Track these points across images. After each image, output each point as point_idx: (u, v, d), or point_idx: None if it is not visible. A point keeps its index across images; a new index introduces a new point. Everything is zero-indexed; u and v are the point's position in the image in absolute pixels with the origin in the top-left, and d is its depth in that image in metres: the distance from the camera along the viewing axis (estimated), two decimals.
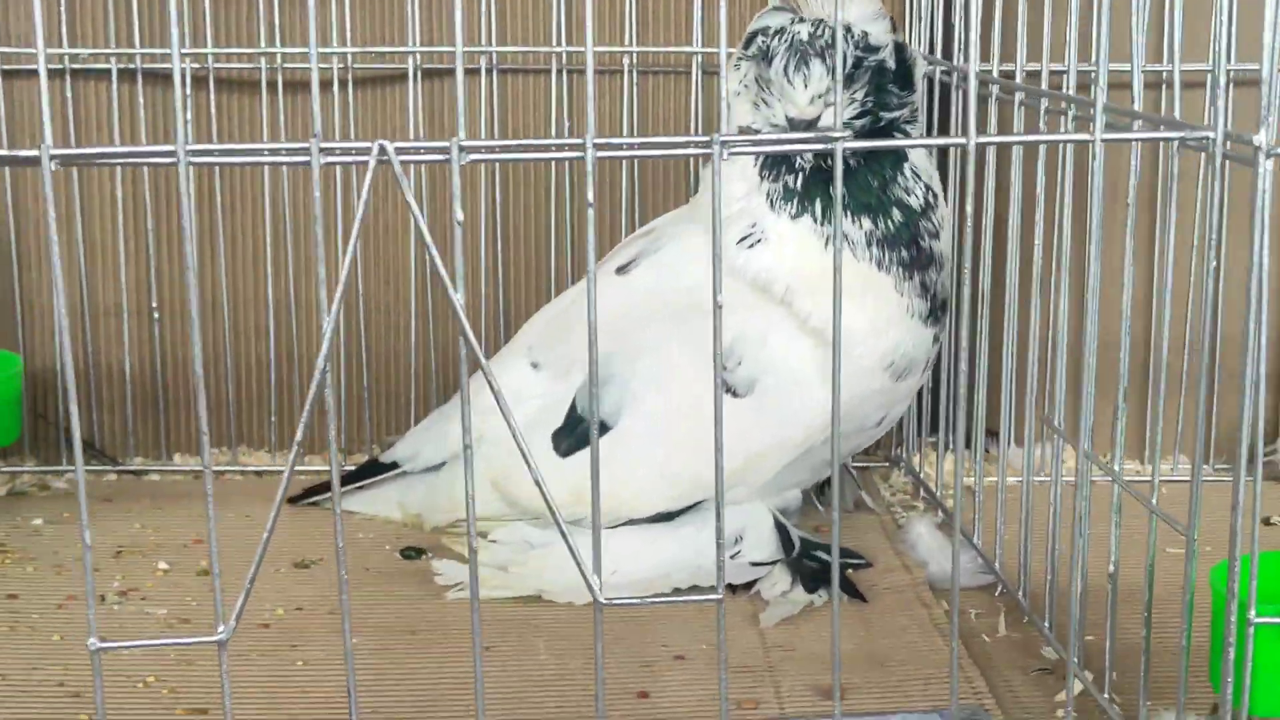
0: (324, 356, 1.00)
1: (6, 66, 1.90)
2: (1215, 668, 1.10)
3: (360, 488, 1.81)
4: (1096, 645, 1.33)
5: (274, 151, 0.98)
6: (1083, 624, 1.30)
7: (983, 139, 0.99)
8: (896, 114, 1.52)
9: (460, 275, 1.00)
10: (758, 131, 1.48)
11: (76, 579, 1.62)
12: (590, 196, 0.98)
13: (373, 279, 1.96)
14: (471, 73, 1.91)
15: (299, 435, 1.02)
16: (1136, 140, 1.04)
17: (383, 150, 0.97)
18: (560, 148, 1.00)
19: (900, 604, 1.53)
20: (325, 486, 1.84)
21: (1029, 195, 1.50)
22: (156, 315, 1.95)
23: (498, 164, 1.90)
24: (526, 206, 1.96)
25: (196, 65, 1.89)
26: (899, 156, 1.51)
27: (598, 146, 0.98)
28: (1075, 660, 1.26)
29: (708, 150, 0.98)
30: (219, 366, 1.97)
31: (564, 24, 1.91)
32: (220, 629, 1.06)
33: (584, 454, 1.37)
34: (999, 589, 1.56)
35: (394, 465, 1.79)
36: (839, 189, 1.00)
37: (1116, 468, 1.23)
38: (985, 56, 1.68)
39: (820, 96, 1.45)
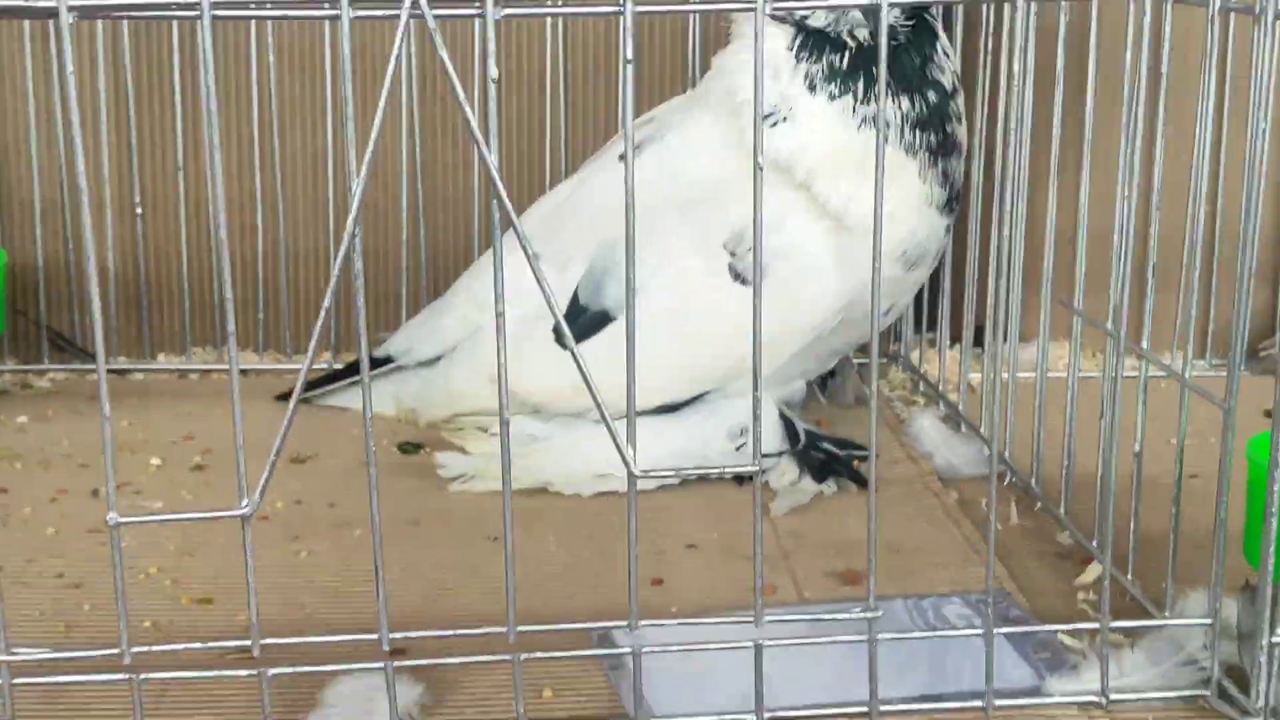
0: (353, 219, 0.97)
1: None
2: (1253, 542, 1.09)
3: (353, 383, 1.78)
4: (1115, 530, 1.32)
5: (301, 4, 0.94)
6: (1105, 508, 1.28)
7: None
8: None
9: (494, 133, 0.97)
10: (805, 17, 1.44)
11: (66, 474, 1.59)
12: (629, 53, 0.95)
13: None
14: None
15: (319, 326, 0.99)
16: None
17: (415, 3, 0.93)
18: (598, 2, 0.96)
19: (909, 493, 1.52)
20: (316, 383, 1.81)
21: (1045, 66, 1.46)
22: (140, 211, 1.91)
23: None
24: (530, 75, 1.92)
25: None
26: (934, 34, 1.49)
27: (638, 1, 0.94)
28: (1099, 546, 1.25)
29: (751, 6, 0.95)
30: (204, 264, 1.93)
31: None
32: (244, 503, 1.03)
33: (586, 345, 1.33)
34: (1008, 478, 1.54)
35: (387, 360, 1.76)
36: (883, 45, 0.97)
37: (1145, 344, 1.21)
38: None
39: None
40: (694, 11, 1.18)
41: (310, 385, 1.81)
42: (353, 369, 1.78)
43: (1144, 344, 1.21)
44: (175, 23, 1.84)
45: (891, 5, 0.97)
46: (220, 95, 1.89)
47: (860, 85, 1.47)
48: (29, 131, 1.87)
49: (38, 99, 1.87)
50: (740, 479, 1.54)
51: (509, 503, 1.03)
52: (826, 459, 1.56)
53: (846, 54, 1.47)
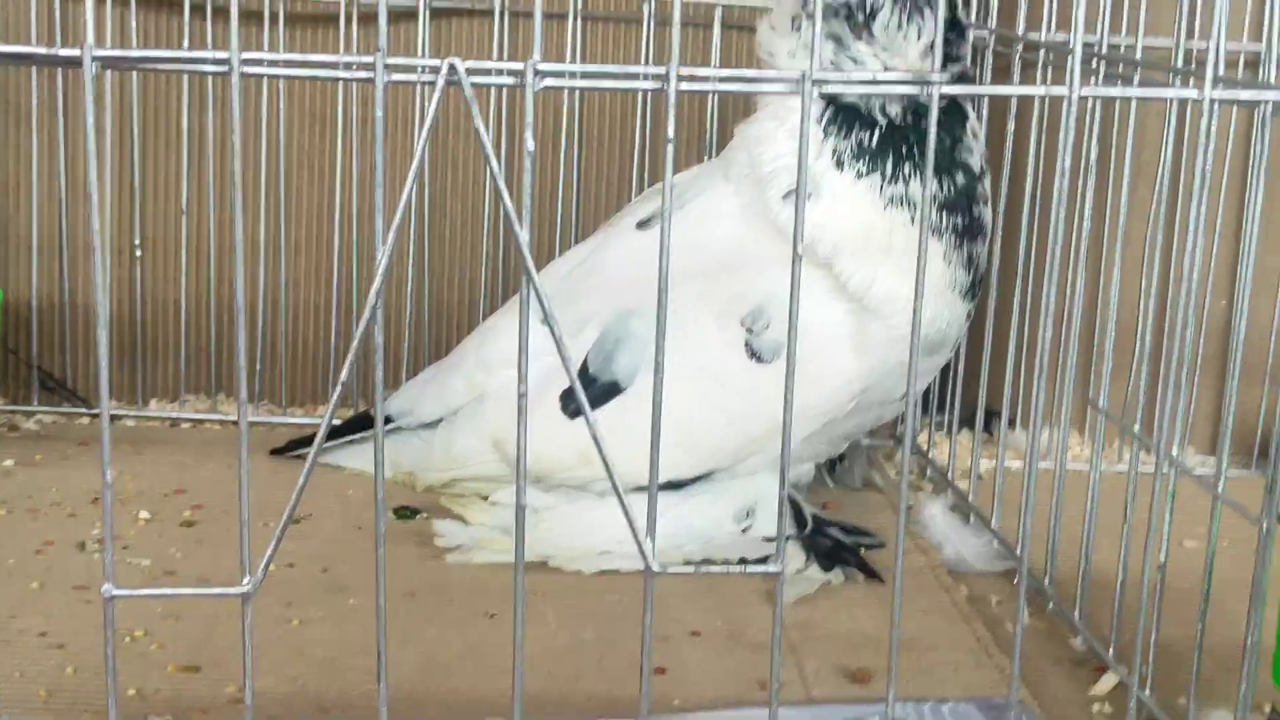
0: (376, 291, 0.93)
1: None
2: None
3: (349, 442, 1.73)
4: (1129, 639, 1.28)
5: (335, 65, 0.91)
6: (1121, 616, 1.25)
7: (1087, 91, 0.93)
8: (962, 66, 1.46)
9: (528, 210, 0.93)
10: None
11: (53, 524, 1.54)
12: (670, 132, 0.92)
13: (365, 227, 1.88)
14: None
15: (343, 376, 0.94)
16: (1242, 103, 0.99)
17: (452, 70, 0.90)
18: (642, 77, 0.92)
19: (919, 586, 1.48)
20: (310, 439, 1.77)
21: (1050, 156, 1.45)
22: (139, 254, 1.87)
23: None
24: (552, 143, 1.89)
25: None
26: (964, 115, 1.46)
27: (681, 78, 0.91)
28: (1122, 664, 1.21)
29: (797, 90, 0.91)
30: (201, 310, 1.89)
31: None
32: (245, 581, 0.98)
33: (595, 415, 1.29)
34: (1018, 575, 1.50)
35: (386, 420, 1.72)
36: (933, 131, 0.93)
37: (1175, 453, 1.17)
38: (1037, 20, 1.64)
39: (930, 48, 1.40)
40: (739, 91, 1.15)
41: (304, 442, 1.77)
42: (350, 427, 1.73)
43: (1174, 450, 1.18)
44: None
45: (944, 91, 0.93)
46: (218, 140, 1.86)
47: (889, 164, 1.44)
48: (30, 169, 1.83)
49: (40, 136, 1.83)
50: (744, 561, 1.50)
51: (521, 591, 0.98)
52: (834, 546, 1.52)
53: (876, 131, 1.44)
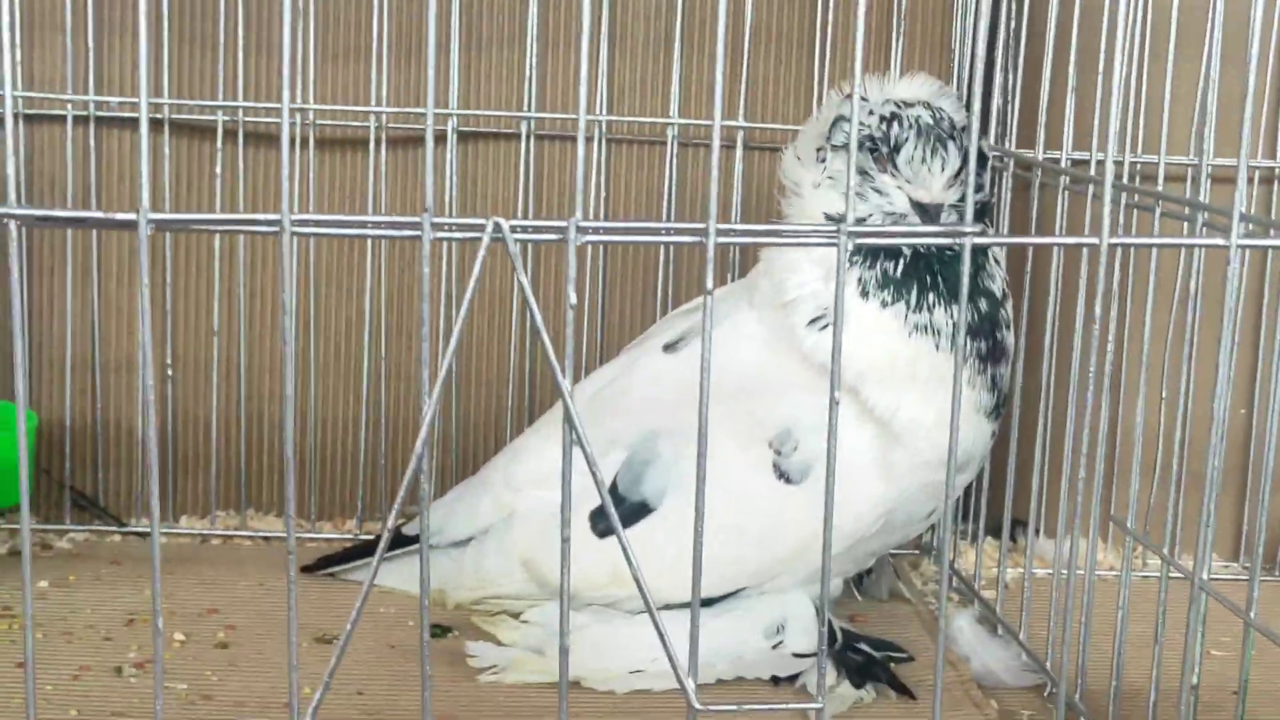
0: (422, 441, 0.95)
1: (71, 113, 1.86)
2: None
3: (382, 560, 1.74)
4: None
5: (380, 224, 0.94)
6: None
7: (1115, 240, 0.96)
8: (983, 196, 1.49)
9: (569, 360, 0.96)
10: (860, 221, 1.44)
11: (88, 647, 1.56)
12: (710, 284, 0.94)
13: (394, 344, 1.91)
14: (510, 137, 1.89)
15: (399, 500, 0.97)
16: (1274, 247, 1.01)
17: (497, 227, 0.93)
18: (680, 232, 0.95)
19: (950, 702, 1.49)
20: (341, 557, 1.79)
21: (1070, 288, 1.48)
22: (171, 373, 1.89)
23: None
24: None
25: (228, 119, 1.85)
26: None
27: (720, 233, 0.94)
28: None
29: (834, 242, 0.94)
30: (231, 427, 1.92)
31: (606, 92, 1.88)
32: None
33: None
34: (1048, 688, 1.52)
35: (416, 538, 1.74)
36: (965, 284, 0.96)
37: (1205, 575, 1.19)
38: (1056, 145, 1.67)
39: (954, 179, 1.43)
40: (775, 244, 1.18)
41: (333, 560, 1.79)
42: (378, 545, 1.75)
43: (1204, 573, 1.20)
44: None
45: (975, 242, 0.96)
46: (257, 257, 1.89)
47: (913, 293, 1.47)
48: (65, 288, 1.86)
49: (74, 255, 1.86)
50: (777, 678, 1.51)
51: None
52: (865, 661, 1.53)
53: (901, 261, 1.47)
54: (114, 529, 1.90)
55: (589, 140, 1.87)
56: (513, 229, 0.93)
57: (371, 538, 1.84)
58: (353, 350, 1.91)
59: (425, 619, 1.02)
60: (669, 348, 1.62)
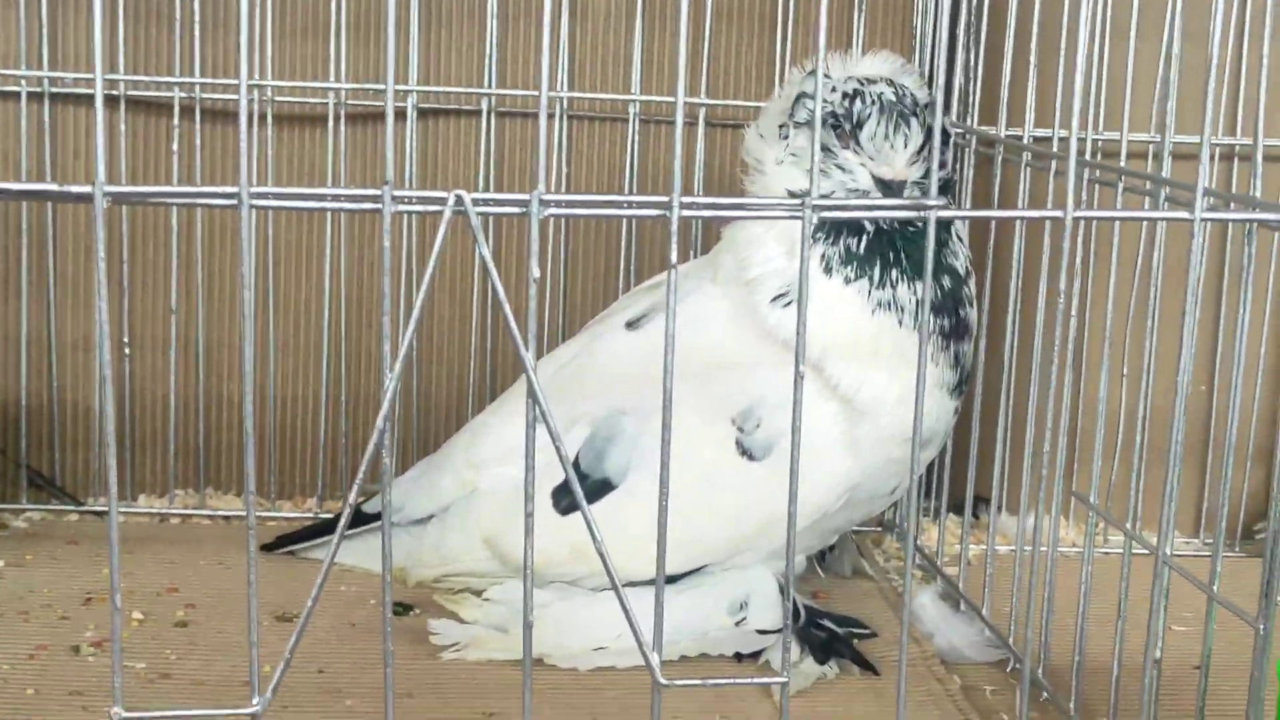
0: (384, 416, 0.94)
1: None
2: None
3: (342, 538, 1.73)
4: None
5: (340, 197, 0.93)
6: (1117, 708, 1.27)
7: (1080, 214, 0.96)
8: (946, 173, 1.49)
9: (532, 334, 0.95)
10: (824, 198, 1.44)
11: (45, 627, 1.54)
12: (673, 257, 0.94)
13: (354, 322, 1.90)
14: (471, 114, 1.87)
15: (360, 475, 0.97)
16: (1236, 220, 1.01)
17: (459, 200, 0.92)
18: (644, 205, 0.95)
19: (914, 677, 1.49)
20: (301, 535, 1.78)
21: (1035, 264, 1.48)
22: (128, 351, 1.88)
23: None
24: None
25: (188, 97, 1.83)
26: (950, 220, 1.49)
27: (683, 205, 0.93)
28: None
29: (798, 215, 0.94)
30: (190, 405, 1.90)
31: (566, 69, 1.87)
32: (255, 701, 0.99)
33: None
34: (1011, 664, 1.52)
35: (377, 516, 1.73)
36: (930, 258, 0.96)
37: (1168, 549, 1.20)
38: (1018, 122, 1.68)
39: (916, 155, 1.43)
40: (739, 217, 1.17)
41: (292, 539, 1.78)
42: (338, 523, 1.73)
43: (1167, 548, 1.20)
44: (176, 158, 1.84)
45: (940, 215, 0.96)
46: (215, 236, 1.87)
47: (877, 270, 1.46)
48: (19, 265, 1.84)
49: (31, 234, 1.84)
50: (740, 655, 1.51)
51: (529, 704, 0.99)
52: (829, 637, 1.53)
53: (864, 238, 1.46)
54: (71, 508, 1.88)
55: (550, 117, 1.85)
56: (474, 202, 0.91)
57: (331, 516, 1.83)
58: (312, 328, 1.90)
59: (388, 596, 1.00)
60: (631, 325, 1.62)
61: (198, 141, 1.84)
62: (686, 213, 0.94)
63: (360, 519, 1.73)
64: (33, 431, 1.88)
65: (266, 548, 1.77)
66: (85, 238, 1.86)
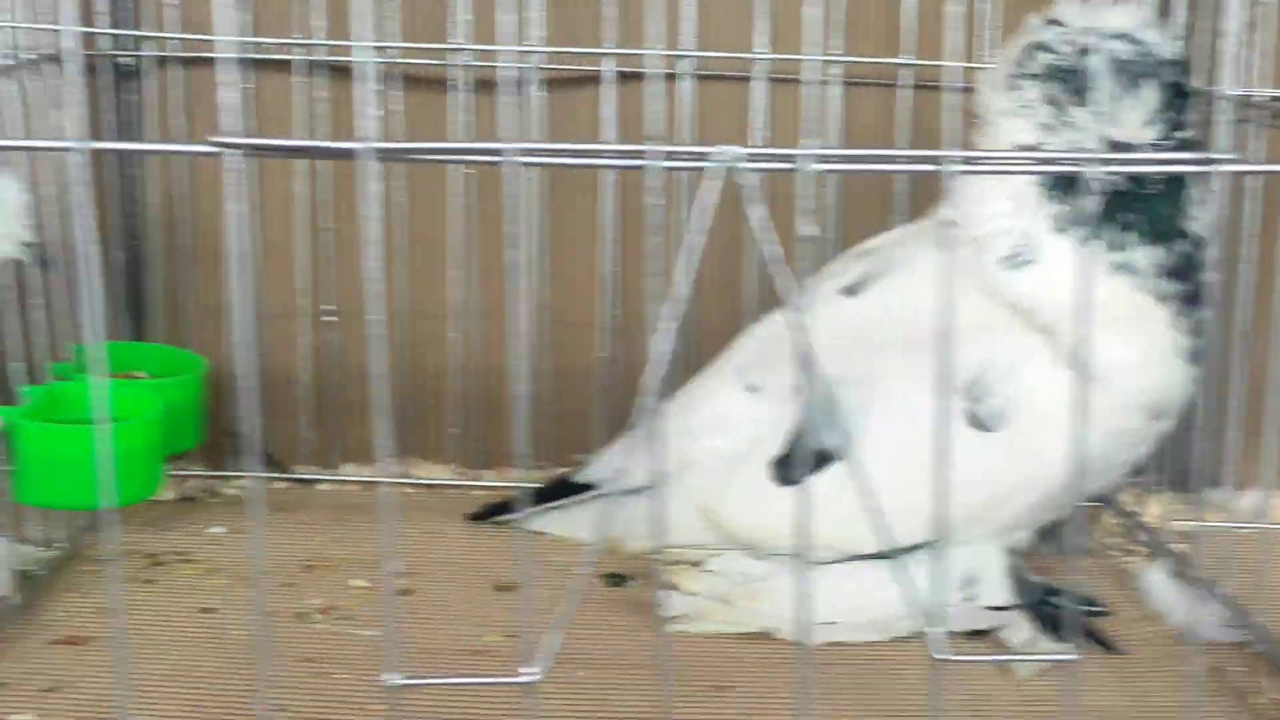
0: (653, 377, 0.92)
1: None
2: None
3: (551, 508, 1.72)
4: None
5: (606, 153, 0.90)
6: None
7: None
8: (1186, 134, 1.43)
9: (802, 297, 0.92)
10: None
11: (272, 592, 1.55)
12: (946, 213, 0.90)
13: (560, 288, 1.88)
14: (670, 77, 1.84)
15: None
16: None
17: (728, 156, 0.89)
18: (916, 160, 0.91)
19: (1157, 658, 1.44)
20: (508, 506, 1.77)
21: None
22: (336, 318, 1.88)
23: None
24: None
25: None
26: (1188, 181, 1.43)
27: (954, 159, 0.89)
28: None
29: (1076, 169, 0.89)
30: (395, 375, 1.89)
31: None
32: (535, 669, 0.97)
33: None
34: (1253, 645, 1.46)
35: (587, 486, 1.71)
36: (1210, 216, 0.91)
37: None
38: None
39: (1155, 115, 1.38)
40: (1017, 173, 1.13)
41: (501, 508, 1.77)
42: (551, 493, 1.73)
43: None
44: None
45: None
46: (417, 200, 1.86)
47: (1113, 231, 1.41)
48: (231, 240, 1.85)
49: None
50: (971, 633, 1.47)
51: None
52: (1066, 615, 1.48)
53: (1099, 198, 1.41)
54: (278, 476, 1.89)
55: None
56: (745, 158, 0.89)
57: (541, 486, 1.81)
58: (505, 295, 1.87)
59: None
60: (849, 290, 1.58)
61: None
62: (960, 169, 0.90)
63: (569, 489, 1.72)
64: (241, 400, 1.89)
65: (476, 517, 1.77)
66: (288, 205, 1.86)
